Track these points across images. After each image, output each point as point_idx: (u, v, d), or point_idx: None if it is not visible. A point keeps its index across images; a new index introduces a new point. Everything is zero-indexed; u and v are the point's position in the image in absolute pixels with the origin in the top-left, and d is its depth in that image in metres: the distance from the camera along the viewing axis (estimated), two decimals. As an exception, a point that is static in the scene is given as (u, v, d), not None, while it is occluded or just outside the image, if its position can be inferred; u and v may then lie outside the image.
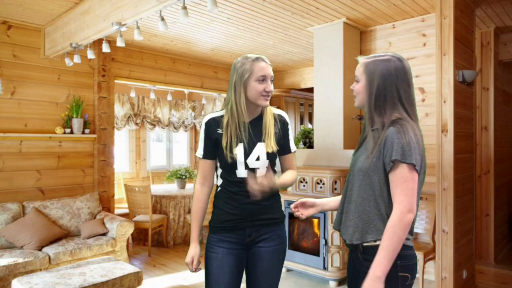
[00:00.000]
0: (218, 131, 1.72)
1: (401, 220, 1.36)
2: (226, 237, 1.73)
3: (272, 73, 1.71)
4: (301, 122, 7.79)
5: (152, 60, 5.47)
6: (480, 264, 4.25)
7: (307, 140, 4.91)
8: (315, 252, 3.88)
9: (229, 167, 1.72)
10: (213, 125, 1.74)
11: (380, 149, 1.42)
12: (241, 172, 1.70)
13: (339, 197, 1.69)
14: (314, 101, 4.47)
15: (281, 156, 1.83)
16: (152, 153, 7.58)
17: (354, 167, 1.54)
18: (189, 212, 5.39)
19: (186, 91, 6.66)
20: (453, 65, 3.05)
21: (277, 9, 3.80)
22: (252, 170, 1.71)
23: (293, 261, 4.05)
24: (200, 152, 1.78)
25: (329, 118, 4.30)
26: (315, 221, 3.93)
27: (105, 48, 3.67)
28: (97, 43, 4.41)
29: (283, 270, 4.14)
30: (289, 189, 4.24)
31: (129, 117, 6.84)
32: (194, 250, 1.79)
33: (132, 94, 6.53)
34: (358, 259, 1.51)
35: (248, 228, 1.73)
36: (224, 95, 6.85)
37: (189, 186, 5.99)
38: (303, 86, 6.83)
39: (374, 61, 1.49)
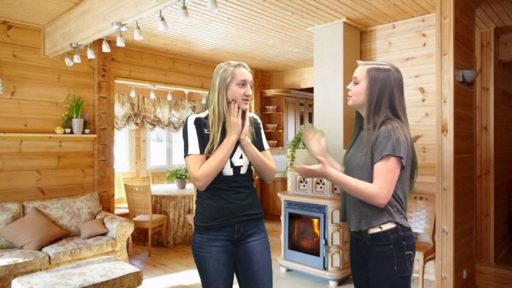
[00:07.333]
0: (205, 131, 1.79)
1: (370, 198, 1.55)
2: (216, 235, 1.78)
3: (251, 79, 1.84)
4: (301, 122, 7.79)
5: (152, 60, 5.47)
6: (480, 264, 4.25)
7: (307, 140, 4.90)
8: (315, 252, 3.88)
9: None
10: (200, 125, 1.80)
11: (373, 145, 1.61)
12: (227, 170, 1.79)
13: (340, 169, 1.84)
14: (314, 101, 4.47)
15: None
16: (152, 153, 7.57)
17: (350, 163, 1.72)
18: (189, 212, 5.39)
19: (186, 91, 6.67)
20: (453, 65, 3.05)
21: (277, 9, 3.80)
22: (237, 168, 1.81)
23: (293, 261, 4.05)
24: (195, 149, 1.76)
25: (329, 118, 4.30)
26: (315, 221, 3.93)
27: (105, 48, 3.67)
28: (97, 43, 4.41)
29: (283, 270, 4.14)
30: (289, 189, 4.24)
31: (129, 117, 6.84)
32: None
33: (132, 94, 6.53)
34: (366, 246, 1.66)
35: (236, 224, 1.80)
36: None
37: (189, 186, 5.99)
38: (303, 86, 6.83)
39: (376, 68, 1.67)
